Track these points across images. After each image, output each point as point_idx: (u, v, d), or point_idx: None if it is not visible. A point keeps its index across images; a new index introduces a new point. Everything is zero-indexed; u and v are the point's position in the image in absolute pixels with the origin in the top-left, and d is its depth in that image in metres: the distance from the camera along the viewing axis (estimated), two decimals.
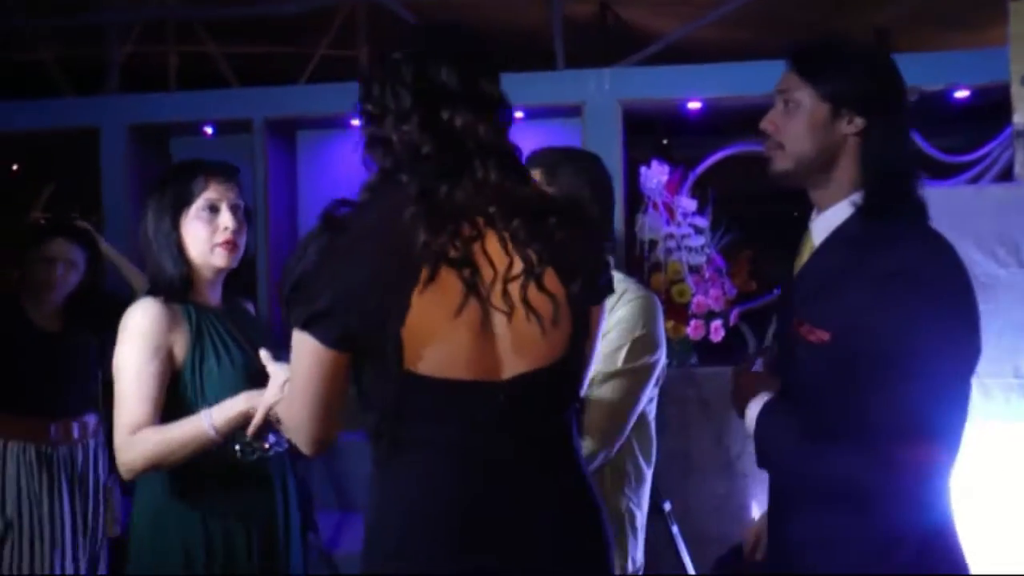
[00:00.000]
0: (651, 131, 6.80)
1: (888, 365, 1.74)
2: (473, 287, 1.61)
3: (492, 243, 1.64)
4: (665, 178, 4.67)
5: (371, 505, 1.73)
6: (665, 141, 7.17)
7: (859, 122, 1.88)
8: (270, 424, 2.28)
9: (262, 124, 5.24)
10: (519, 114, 5.06)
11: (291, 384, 1.74)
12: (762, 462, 1.96)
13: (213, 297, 2.50)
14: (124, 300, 3.42)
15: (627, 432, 2.62)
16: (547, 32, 5.08)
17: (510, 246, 1.64)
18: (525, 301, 1.63)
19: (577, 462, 1.77)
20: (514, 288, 1.63)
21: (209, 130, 5.55)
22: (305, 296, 1.62)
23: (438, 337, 1.61)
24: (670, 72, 4.93)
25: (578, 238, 1.70)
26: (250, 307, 2.71)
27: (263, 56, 6.05)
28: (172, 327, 2.36)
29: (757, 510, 4.70)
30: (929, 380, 1.75)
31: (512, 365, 1.65)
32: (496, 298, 1.62)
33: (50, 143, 5.74)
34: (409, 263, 1.59)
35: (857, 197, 1.89)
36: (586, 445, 2.51)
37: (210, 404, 2.34)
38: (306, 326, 1.63)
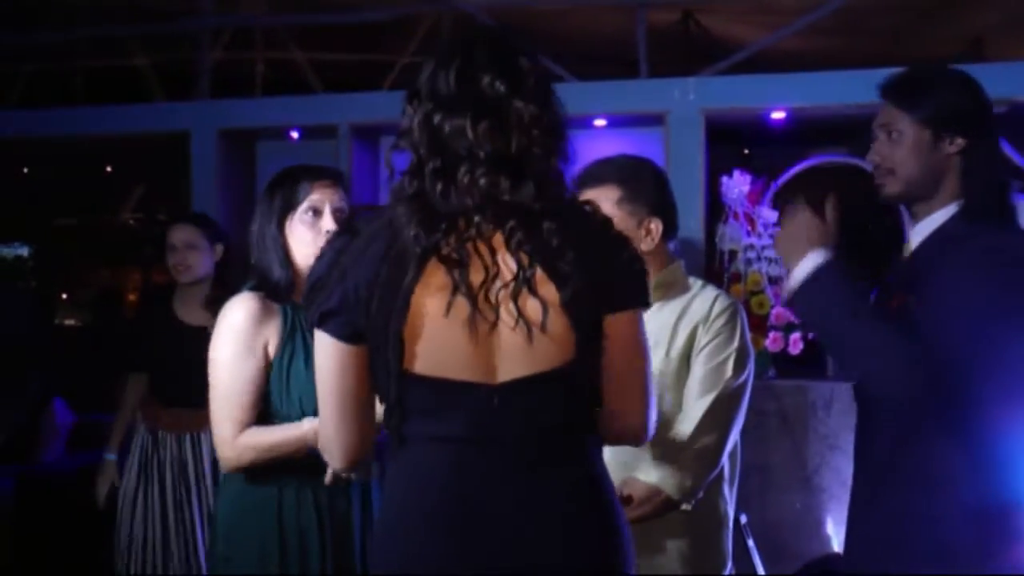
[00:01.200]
0: (733, 141, 6.73)
1: (951, 314, 1.90)
2: (462, 286, 1.62)
3: (485, 246, 1.64)
4: (747, 188, 4.62)
5: (382, 500, 1.82)
6: (747, 151, 7.09)
7: (960, 142, 2.03)
8: None
9: (347, 129, 5.27)
10: (601, 122, 5.05)
11: (318, 389, 1.77)
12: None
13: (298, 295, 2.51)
14: None
15: (729, 452, 2.64)
16: (630, 40, 5.05)
17: (503, 250, 1.64)
18: (516, 306, 1.63)
19: (588, 467, 1.75)
20: (504, 293, 1.63)
21: (295, 135, 5.60)
22: (319, 296, 1.69)
23: (432, 336, 1.64)
24: (754, 81, 4.86)
25: (586, 245, 1.67)
26: None
27: (348, 63, 6.10)
28: (267, 323, 2.42)
29: (833, 525, 4.61)
30: (987, 344, 1.90)
31: (507, 369, 1.66)
32: (481, 301, 1.63)
33: (140, 146, 5.86)
34: (406, 262, 1.63)
35: (956, 204, 2.05)
36: (687, 474, 2.49)
37: (294, 402, 2.41)
38: (320, 323, 1.70)
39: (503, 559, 1.65)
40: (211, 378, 2.43)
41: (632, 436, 1.83)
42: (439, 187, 1.64)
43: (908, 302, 1.98)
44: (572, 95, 5.50)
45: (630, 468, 2.52)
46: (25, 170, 6.64)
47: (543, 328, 1.64)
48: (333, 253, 1.71)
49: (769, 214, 4.61)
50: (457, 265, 1.62)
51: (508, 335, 1.65)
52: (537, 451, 1.69)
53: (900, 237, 4.94)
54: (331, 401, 1.74)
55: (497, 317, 1.63)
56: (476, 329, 1.64)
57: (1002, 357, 1.92)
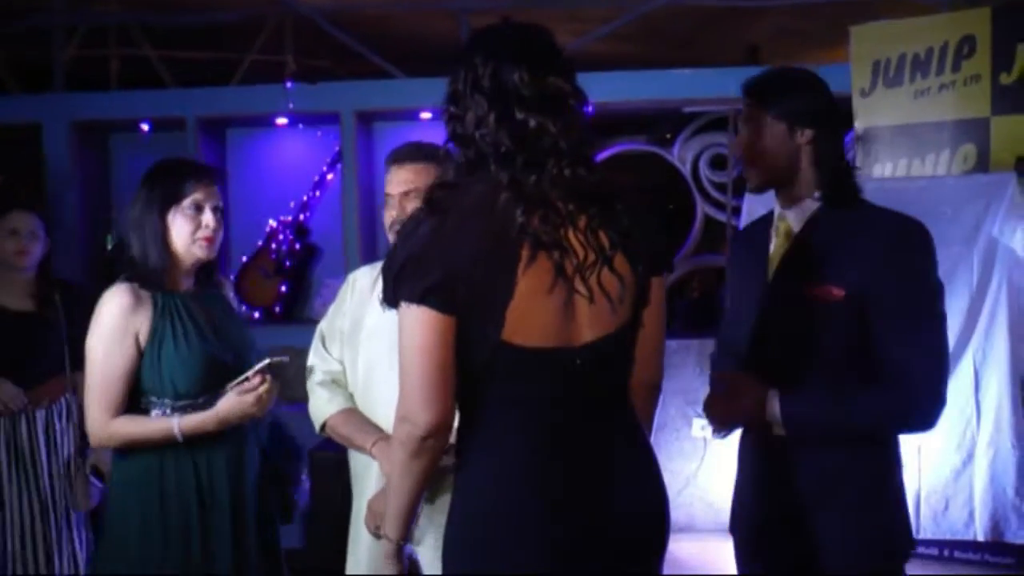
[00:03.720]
0: None
1: (913, 314, 2.03)
2: (561, 269, 1.68)
3: (573, 229, 1.70)
4: None
5: (462, 463, 1.77)
6: None
7: (809, 133, 2.15)
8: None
9: (194, 122, 5.29)
10: (427, 115, 5.21)
11: (404, 364, 1.69)
12: (793, 434, 2.10)
13: (185, 283, 2.56)
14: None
15: None
16: (456, 42, 5.22)
17: (587, 233, 1.70)
18: (599, 283, 1.71)
19: (635, 418, 1.85)
20: (592, 273, 1.70)
21: (145, 127, 5.56)
22: (418, 271, 1.64)
23: (531, 312, 1.67)
24: None
25: (641, 221, 1.77)
26: (228, 293, 2.74)
27: (197, 60, 6.07)
28: (138, 313, 2.44)
29: None
30: (943, 323, 2.05)
31: (585, 334, 1.72)
32: (578, 282, 1.70)
33: None
34: (509, 244, 1.65)
35: (818, 194, 2.17)
36: None
37: (165, 382, 2.44)
38: (423, 298, 1.64)
39: (593, 504, 1.73)
40: (87, 365, 2.46)
41: (652, 385, 1.93)
42: (532, 178, 1.67)
43: (841, 297, 2.05)
44: (401, 90, 5.66)
45: None
46: None
47: (620, 300, 1.74)
48: (428, 231, 1.66)
49: None
50: (554, 248, 1.67)
51: (589, 306, 1.71)
52: (609, 404, 1.80)
53: (693, 212, 5.30)
54: (423, 371, 1.66)
55: (582, 290, 1.70)
56: (567, 303, 1.70)
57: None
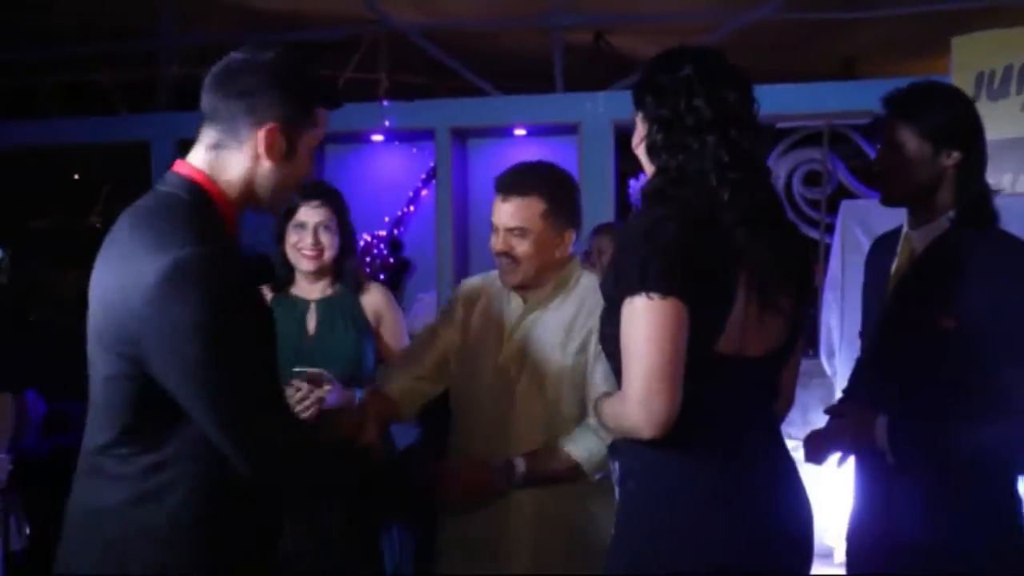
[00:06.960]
0: None
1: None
2: (759, 286, 1.73)
3: (759, 248, 1.74)
4: None
5: (645, 466, 1.79)
6: None
7: (956, 155, 2.01)
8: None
9: None
10: (522, 131, 5.11)
11: (637, 357, 1.65)
12: (901, 461, 1.98)
13: (312, 289, 2.84)
14: None
15: None
16: (548, 58, 5.12)
17: (771, 252, 1.75)
18: (778, 300, 1.76)
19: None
20: (776, 290, 1.76)
21: None
22: (673, 264, 1.64)
23: (736, 323, 1.72)
24: None
25: (797, 245, 1.87)
26: (372, 299, 2.86)
27: None
28: None
29: None
30: None
31: (758, 347, 1.76)
32: (766, 298, 1.74)
33: (103, 155, 5.79)
34: (731, 260, 1.70)
35: (951, 214, 2.03)
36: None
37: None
38: (680, 290, 1.63)
39: (769, 510, 1.78)
40: None
41: (782, 409, 1.98)
42: (747, 195, 1.71)
43: (952, 328, 1.94)
44: (495, 107, 5.57)
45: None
46: None
47: (790, 318, 1.80)
48: (676, 231, 1.66)
49: None
50: (757, 268, 1.72)
51: (765, 319, 1.76)
52: (772, 415, 1.87)
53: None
54: (660, 363, 1.63)
55: (771, 308, 1.75)
56: (755, 316, 1.74)
57: None
